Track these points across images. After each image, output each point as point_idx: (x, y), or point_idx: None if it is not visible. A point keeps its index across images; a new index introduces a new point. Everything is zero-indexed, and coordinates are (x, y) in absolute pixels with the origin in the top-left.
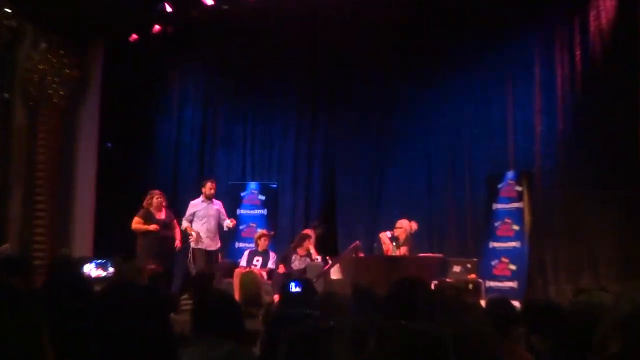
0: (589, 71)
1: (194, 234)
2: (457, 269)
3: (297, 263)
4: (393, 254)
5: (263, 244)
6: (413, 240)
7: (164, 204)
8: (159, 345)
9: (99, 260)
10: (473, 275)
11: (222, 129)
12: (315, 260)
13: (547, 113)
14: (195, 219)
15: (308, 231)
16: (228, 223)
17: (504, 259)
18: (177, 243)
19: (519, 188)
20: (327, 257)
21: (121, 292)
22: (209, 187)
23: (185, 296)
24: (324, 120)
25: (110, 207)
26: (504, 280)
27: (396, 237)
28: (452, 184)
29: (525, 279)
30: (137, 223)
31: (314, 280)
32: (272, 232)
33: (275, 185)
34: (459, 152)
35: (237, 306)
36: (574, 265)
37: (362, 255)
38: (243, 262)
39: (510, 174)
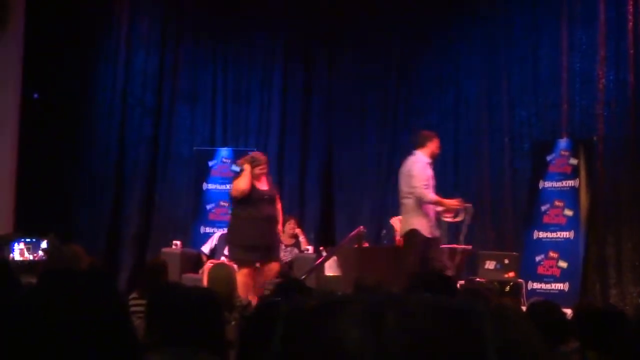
0: None
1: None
2: (490, 265)
3: (281, 255)
4: None
5: None
6: None
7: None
8: (120, 355)
9: (28, 239)
10: (511, 274)
11: (184, 78)
12: (306, 252)
13: (613, 62)
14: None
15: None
16: None
17: (552, 254)
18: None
19: (574, 161)
20: (321, 248)
21: (68, 283)
22: (436, 143)
23: (133, 295)
24: (321, 69)
25: (36, 174)
26: (551, 281)
27: None
28: (486, 154)
29: (579, 280)
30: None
31: (303, 277)
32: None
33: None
34: (496, 112)
35: (215, 304)
36: None
37: (366, 245)
38: (206, 247)
39: (563, 142)
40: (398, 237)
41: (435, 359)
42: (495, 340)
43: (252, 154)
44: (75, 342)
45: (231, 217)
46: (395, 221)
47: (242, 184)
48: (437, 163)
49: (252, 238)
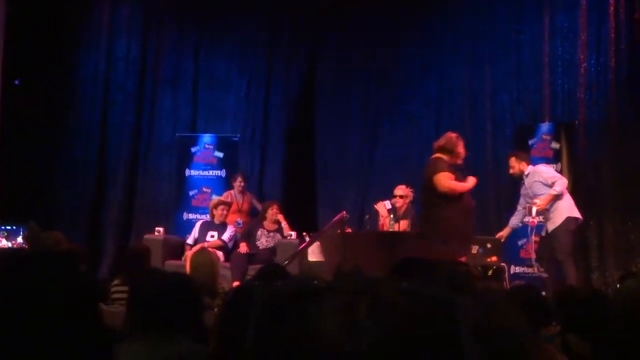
0: None
1: None
2: (473, 249)
3: (263, 240)
4: (390, 229)
5: (220, 214)
6: (416, 211)
7: None
8: (86, 341)
9: (6, 227)
10: (494, 258)
11: (167, 64)
12: (288, 237)
13: (594, 47)
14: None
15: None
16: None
17: (534, 238)
18: None
19: (556, 145)
20: (304, 233)
21: (36, 267)
22: None
23: (116, 282)
24: (303, 56)
25: (18, 161)
26: (533, 264)
27: (395, 208)
28: (468, 139)
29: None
30: (451, 179)
31: (286, 263)
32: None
33: (236, 139)
34: (477, 97)
35: (191, 290)
36: (626, 246)
37: (349, 230)
38: (191, 238)
39: (544, 126)
40: (380, 223)
41: (410, 347)
42: (472, 326)
43: (450, 134)
44: (36, 325)
45: (436, 210)
46: (381, 206)
47: (457, 186)
48: (420, 149)
49: (467, 229)
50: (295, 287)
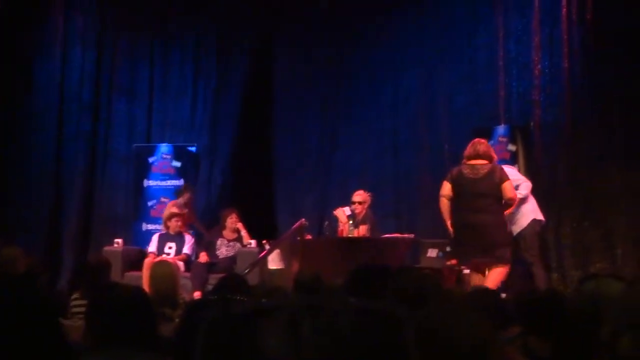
0: None
1: None
2: (432, 253)
3: (223, 250)
4: (349, 235)
5: (175, 225)
6: (375, 216)
7: None
8: (48, 357)
9: None
10: (454, 261)
11: (122, 73)
12: (248, 246)
13: (548, 49)
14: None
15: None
16: None
17: None
18: None
19: (512, 147)
20: (264, 241)
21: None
22: None
23: (75, 295)
24: (260, 62)
25: None
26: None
27: (354, 214)
28: (426, 141)
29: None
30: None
31: (246, 272)
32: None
33: (194, 149)
34: (434, 100)
35: (147, 303)
36: (584, 246)
37: (309, 237)
38: (152, 247)
39: (500, 129)
40: (340, 229)
41: None
42: (422, 338)
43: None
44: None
45: (498, 216)
46: (341, 212)
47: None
48: (377, 154)
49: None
50: (242, 306)
